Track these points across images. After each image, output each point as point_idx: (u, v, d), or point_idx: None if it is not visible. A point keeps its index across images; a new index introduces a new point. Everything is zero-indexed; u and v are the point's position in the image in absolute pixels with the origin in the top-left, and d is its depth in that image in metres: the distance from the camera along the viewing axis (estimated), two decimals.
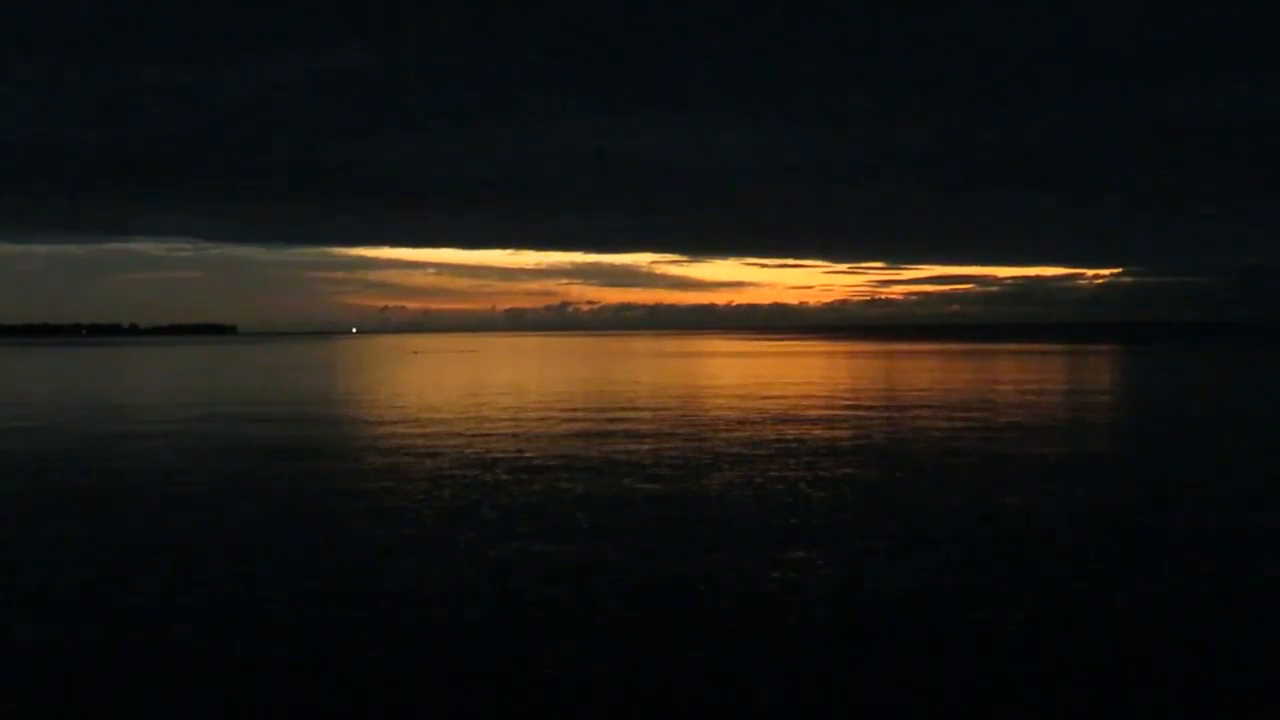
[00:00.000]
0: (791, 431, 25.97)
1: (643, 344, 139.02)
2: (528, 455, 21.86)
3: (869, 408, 33.27)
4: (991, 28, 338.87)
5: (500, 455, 21.88)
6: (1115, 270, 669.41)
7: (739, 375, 56.01)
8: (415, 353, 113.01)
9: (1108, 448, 23.34)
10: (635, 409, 33.43)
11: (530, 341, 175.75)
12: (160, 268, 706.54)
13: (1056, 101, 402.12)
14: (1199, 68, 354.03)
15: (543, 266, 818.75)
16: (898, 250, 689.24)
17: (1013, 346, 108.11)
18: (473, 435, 25.97)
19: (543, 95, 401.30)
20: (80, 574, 12.19)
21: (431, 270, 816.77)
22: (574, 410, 33.33)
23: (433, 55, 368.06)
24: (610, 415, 31.27)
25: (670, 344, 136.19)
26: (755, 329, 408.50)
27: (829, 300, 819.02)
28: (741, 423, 28.41)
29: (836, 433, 25.75)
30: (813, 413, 31.38)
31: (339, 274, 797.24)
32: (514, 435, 25.85)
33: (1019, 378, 51.02)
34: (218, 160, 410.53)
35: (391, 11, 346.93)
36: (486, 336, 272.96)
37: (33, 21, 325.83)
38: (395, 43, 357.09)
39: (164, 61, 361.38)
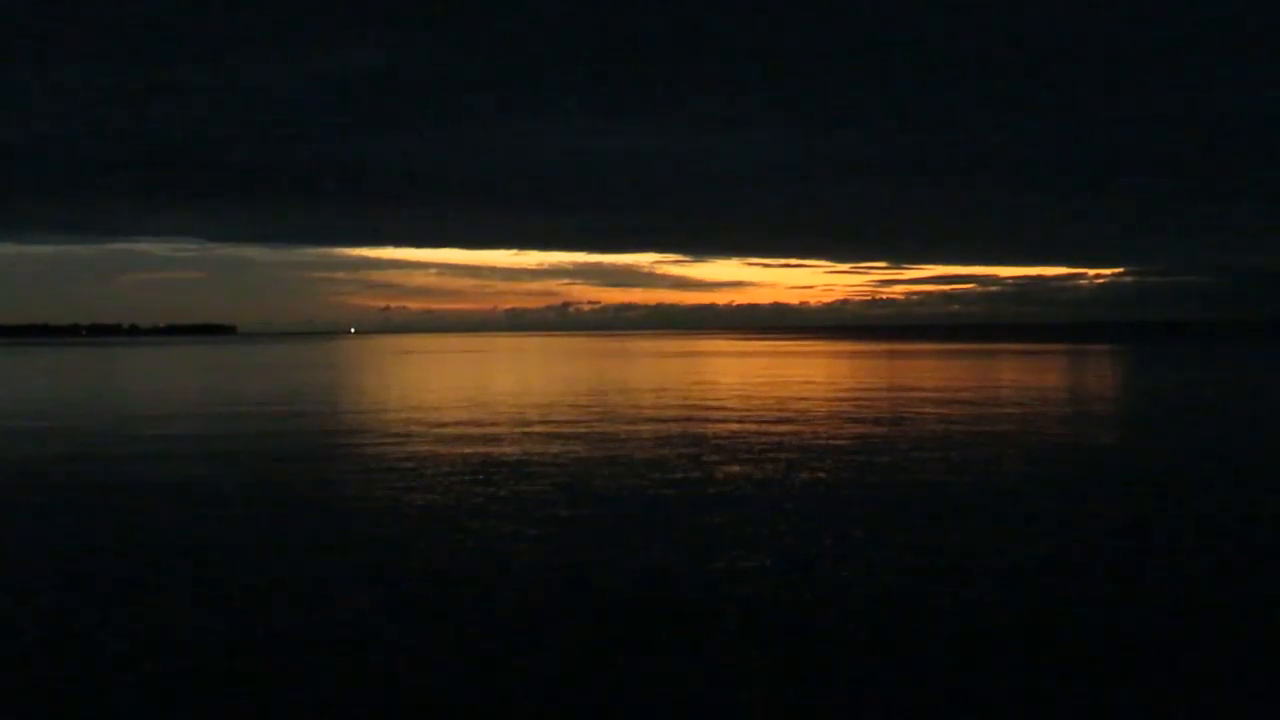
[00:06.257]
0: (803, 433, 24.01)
1: (643, 344, 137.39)
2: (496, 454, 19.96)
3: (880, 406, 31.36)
4: (992, 28, 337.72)
5: (467, 455, 19.98)
6: (1115, 270, 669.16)
7: (744, 375, 54.19)
8: (408, 353, 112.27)
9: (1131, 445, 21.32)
10: (628, 412, 31.49)
11: (528, 342, 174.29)
12: (163, 268, 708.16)
13: (1056, 101, 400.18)
14: (1200, 67, 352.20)
15: (544, 267, 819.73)
16: (899, 250, 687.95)
17: (1015, 347, 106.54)
18: (435, 434, 24.09)
19: (543, 96, 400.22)
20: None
21: (433, 270, 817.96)
22: (538, 413, 31.41)
23: (434, 56, 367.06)
24: (585, 419, 29.34)
25: (671, 344, 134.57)
26: (756, 329, 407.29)
27: (830, 300, 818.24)
28: (743, 420, 26.49)
29: (838, 435, 23.83)
30: (820, 413, 29.54)
31: (340, 274, 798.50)
32: (482, 436, 24.00)
33: (1028, 378, 49.21)
34: (219, 160, 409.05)
35: (393, 13, 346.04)
36: (487, 337, 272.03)
37: (35, 20, 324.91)
38: (397, 44, 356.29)
39: (166, 61, 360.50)
